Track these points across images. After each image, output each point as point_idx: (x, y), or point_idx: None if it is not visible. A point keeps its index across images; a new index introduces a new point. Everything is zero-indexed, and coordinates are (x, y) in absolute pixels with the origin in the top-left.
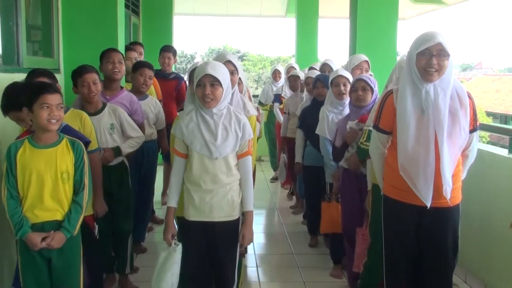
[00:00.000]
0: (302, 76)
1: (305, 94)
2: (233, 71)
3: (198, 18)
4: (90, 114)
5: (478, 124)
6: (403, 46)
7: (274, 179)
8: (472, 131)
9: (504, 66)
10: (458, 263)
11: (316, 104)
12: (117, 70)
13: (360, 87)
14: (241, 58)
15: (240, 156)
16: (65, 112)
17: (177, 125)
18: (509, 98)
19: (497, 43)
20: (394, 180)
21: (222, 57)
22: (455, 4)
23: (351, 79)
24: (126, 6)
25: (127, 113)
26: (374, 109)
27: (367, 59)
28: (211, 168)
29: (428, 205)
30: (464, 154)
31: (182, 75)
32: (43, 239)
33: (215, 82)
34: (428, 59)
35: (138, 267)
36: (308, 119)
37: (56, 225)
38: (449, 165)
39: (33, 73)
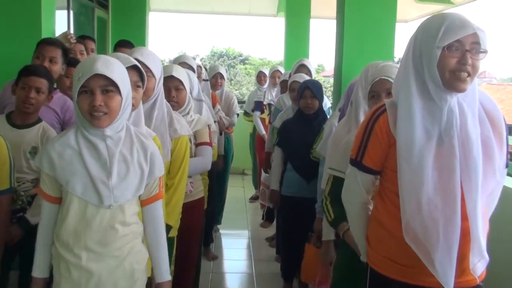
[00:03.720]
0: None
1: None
2: (147, 72)
3: (198, 17)
4: (15, 126)
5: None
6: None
7: (254, 198)
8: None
9: (508, 75)
10: None
11: (301, 117)
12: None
13: None
14: (243, 61)
15: (145, 202)
16: None
17: (43, 153)
18: None
19: (501, 51)
20: (390, 249)
21: (125, 59)
22: (463, 4)
23: None
24: None
25: (57, 121)
26: (350, 140)
27: None
28: (99, 222)
29: None
30: None
31: None
32: None
33: (109, 87)
34: (461, 57)
35: None
36: (291, 135)
37: None
38: (483, 226)
39: None
